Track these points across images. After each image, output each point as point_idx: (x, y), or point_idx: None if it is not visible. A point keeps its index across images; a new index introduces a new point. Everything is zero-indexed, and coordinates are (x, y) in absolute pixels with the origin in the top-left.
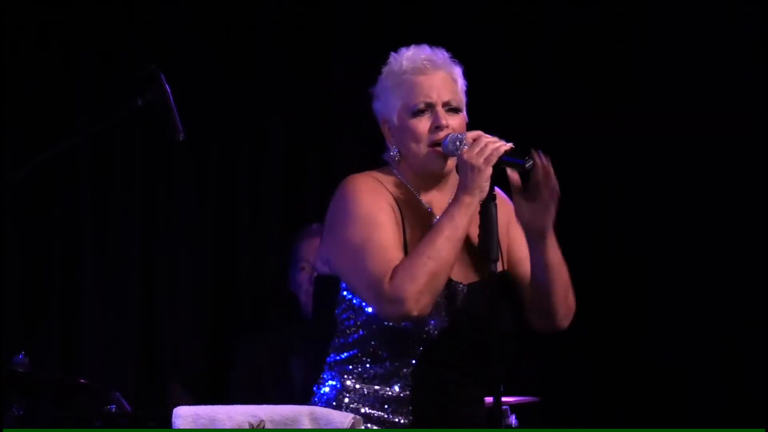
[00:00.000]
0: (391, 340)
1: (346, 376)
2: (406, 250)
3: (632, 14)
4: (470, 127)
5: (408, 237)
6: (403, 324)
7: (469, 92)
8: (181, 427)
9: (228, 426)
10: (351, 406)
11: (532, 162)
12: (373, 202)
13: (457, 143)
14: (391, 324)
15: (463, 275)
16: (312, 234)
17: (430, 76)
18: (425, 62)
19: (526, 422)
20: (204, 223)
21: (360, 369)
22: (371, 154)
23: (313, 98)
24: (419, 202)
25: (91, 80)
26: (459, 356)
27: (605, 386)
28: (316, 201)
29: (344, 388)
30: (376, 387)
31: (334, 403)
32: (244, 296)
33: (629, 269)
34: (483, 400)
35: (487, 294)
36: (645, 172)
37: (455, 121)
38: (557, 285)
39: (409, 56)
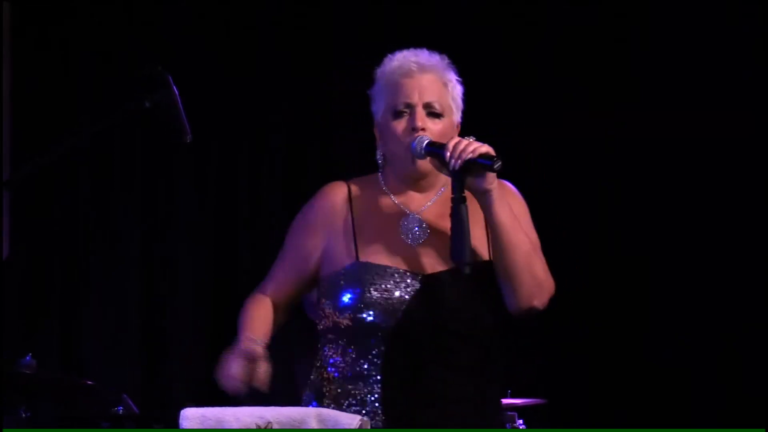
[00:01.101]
0: (352, 338)
1: (325, 376)
2: (357, 253)
3: (632, 14)
4: (469, 126)
5: (363, 240)
6: (358, 319)
7: (469, 92)
8: (188, 428)
9: (235, 427)
10: (331, 407)
11: (500, 163)
12: (303, 227)
13: (423, 145)
14: (345, 321)
15: (422, 266)
16: None
17: (416, 79)
18: (413, 64)
19: (533, 424)
20: (204, 223)
21: (334, 369)
22: (371, 154)
23: (313, 98)
24: (392, 204)
25: (91, 80)
26: (427, 350)
27: (604, 386)
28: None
29: (324, 389)
30: (350, 387)
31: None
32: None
33: (629, 269)
34: (470, 396)
35: (448, 284)
36: (645, 172)
37: (436, 126)
38: (513, 250)
39: (400, 58)
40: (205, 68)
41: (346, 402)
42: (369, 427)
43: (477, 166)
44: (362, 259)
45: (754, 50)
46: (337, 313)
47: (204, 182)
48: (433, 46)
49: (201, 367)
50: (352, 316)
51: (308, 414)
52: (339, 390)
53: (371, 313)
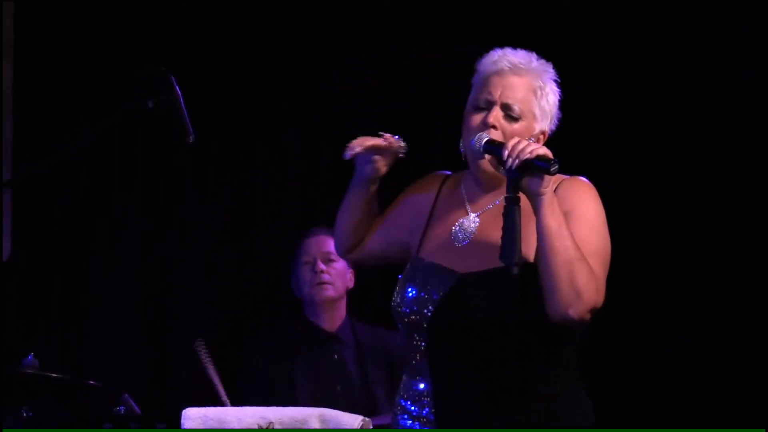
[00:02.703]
0: (403, 331)
1: (404, 372)
2: (418, 249)
3: (632, 14)
4: None
5: (426, 237)
6: (406, 314)
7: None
8: (190, 429)
9: (237, 427)
10: (397, 399)
11: (557, 167)
12: (407, 191)
13: (482, 143)
14: (400, 317)
15: (461, 265)
16: (315, 234)
17: (504, 78)
18: (506, 63)
19: None
20: (205, 223)
21: (406, 365)
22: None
23: (312, 98)
24: (461, 203)
25: (92, 80)
26: (461, 350)
27: (604, 386)
28: (317, 201)
29: (401, 385)
30: (413, 381)
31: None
32: (247, 295)
33: (629, 269)
34: (483, 396)
35: (478, 284)
36: (645, 172)
37: (511, 127)
38: (555, 256)
39: (499, 54)
40: (205, 68)
41: (407, 395)
42: (370, 427)
43: (533, 167)
44: (419, 254)
45: (754, 50)
46: (402, 311)
47: (204, 182)
48: (432, 46)
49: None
50: (411, 312)
51: (310, 414)
52: (409, 385)
53: (413, 309)
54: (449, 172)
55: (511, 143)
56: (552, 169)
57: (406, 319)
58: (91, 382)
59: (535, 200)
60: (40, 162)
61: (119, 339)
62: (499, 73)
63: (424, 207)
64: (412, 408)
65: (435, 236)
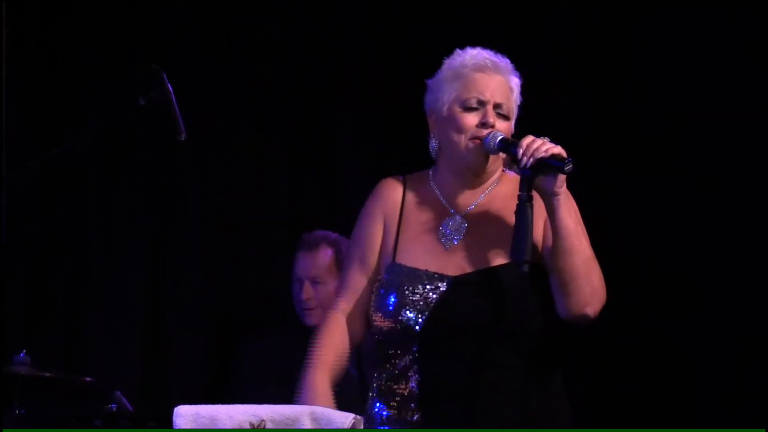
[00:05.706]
0: (389, 340)
1: (376, 377)
2: (395, 255)
3: (632, 14)
4: None
5: (403, 241)
6: (397, 322)
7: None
8: (182, 427)
9: (228, 426)
10: (376, 407)
11: (571, 166)
12: (366, 216)
13: (497, 141)
14: (379, 324)
15: (452, 268)
16: (304, 247)
17: (489, 76)
18: (488, 62)
19: None
20: (206, 222)
21: (382, 370)
22: (374, 155)
23: (313, 98)
24: (438, 203)
25: (91, 80)
26: (455, 351)
27: (604, 386)
28: (318, 202)
29: (375, 391)
30: (394, 386)
31: (368, 407)
32: (248, 300)
33: (629, 269)
34: (486, 394)
35: (474, 286)
36: (645, 172)
37: (502, 126)
38: (574, 255)
39: (474, 54)
40: (205, 68)
41: (392, 401)
42: (362, 426)
43: (548, 166)
44: (397, 260)
45: (755, 50)
46: (382, 318)
47: (206, 182)
48: (432, 47)
49: (204, 368)
50: (393, 319)
51: (302, 412)
52: (387, 390)
53: (406, 315)
54: (401, 176)
55: (525, 142)
56: (566, 168)
57: (387, 328)
58: (84, 379)
59: (551, 200)
60: (35, 164)
61: (119, 338)
62: (482, 70)
63: (394, 213)
64: (386, 413)
65: (414, 240)
